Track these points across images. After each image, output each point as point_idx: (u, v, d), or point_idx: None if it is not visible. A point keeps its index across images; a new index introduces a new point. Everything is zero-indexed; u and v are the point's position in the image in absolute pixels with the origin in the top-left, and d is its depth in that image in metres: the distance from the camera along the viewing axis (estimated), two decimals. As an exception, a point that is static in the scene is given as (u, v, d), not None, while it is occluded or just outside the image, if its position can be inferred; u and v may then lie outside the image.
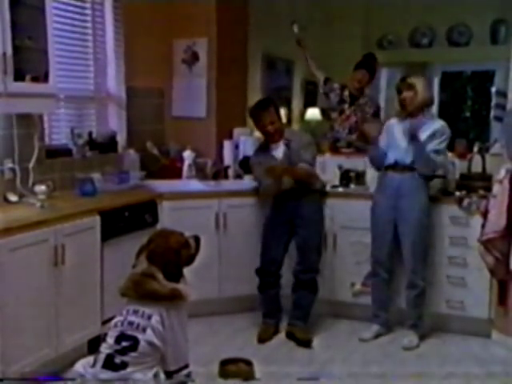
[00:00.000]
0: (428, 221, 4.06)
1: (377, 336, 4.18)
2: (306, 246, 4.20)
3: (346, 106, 5.29)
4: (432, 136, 3.95)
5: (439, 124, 4.02)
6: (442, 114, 8.29)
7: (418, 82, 4.00)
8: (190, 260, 2.95)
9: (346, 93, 5.32)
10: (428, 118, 4.04)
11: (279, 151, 4.25)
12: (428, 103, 4.07)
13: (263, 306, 4.34)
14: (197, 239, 3.00)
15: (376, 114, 5.30)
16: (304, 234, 4.19)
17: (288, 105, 7.17)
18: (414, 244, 4.00)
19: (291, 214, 4.18)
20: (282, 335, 4.24)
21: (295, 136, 4.35)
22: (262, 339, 4.15)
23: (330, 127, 5.47)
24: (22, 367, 3.22)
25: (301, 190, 4.18)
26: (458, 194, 4.19)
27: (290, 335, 4.19)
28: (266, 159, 4.26)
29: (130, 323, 2.70)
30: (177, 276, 2.85)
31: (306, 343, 4.10)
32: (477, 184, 4.19)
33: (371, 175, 4.54)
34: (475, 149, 4.39)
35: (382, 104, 5.89)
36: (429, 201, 4.05)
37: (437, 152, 3.95)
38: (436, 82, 8.37)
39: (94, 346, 3.55)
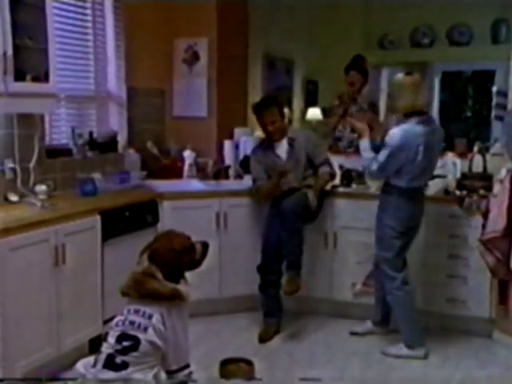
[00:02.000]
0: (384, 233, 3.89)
1: (370, 333, 4.19)
2: (289, 239, 4.11)
3: (347, 107, 5.30)
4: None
5: (389, 133, 3.77)
6: (442, 114, 8.31)
7: (392, 83, 3.94)
8: (193, 265, 2.92)
9: (346, 96, 5.33)
10: (395, 124, 3.86)
11: (282, 150, 4.33)
12: (400, 108, 3.81)
13: (264, 305, 4.34)
14: (205, 245, 2.97)
15: (367, 108, 5.29)
16: (289, 227, 4.10)
17: (289, 104, 7.16)
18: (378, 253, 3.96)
19: (281, 213, 4.15)
20: (282, 335, 4.25)
21: (300, 135, 4.42)
22: (263, 339, 4.15)
23: (331, 129, 5.46)
24: (22, 367, 3.23)
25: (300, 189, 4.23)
26: (458, 193, 4.19)
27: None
28: (268, 158, 4.33)
29: (131, 323, 2.70)
30: (175, 277, 2.84)
31: (288, 293, 4.07)
32: (477, 184, 4.19)
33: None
34: (476, 148, 4.39)
35: (382, 105, 5.86)
36: (395, 208, 3.84)
37: (375, 160, 3.78)
38: (437, 81, 8.37)
39: (94, 345, 3.55)
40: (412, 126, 3.71)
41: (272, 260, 4.22)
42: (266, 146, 4.39)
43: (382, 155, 3.74)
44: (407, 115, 3.75)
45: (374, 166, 3.79)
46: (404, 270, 3.91)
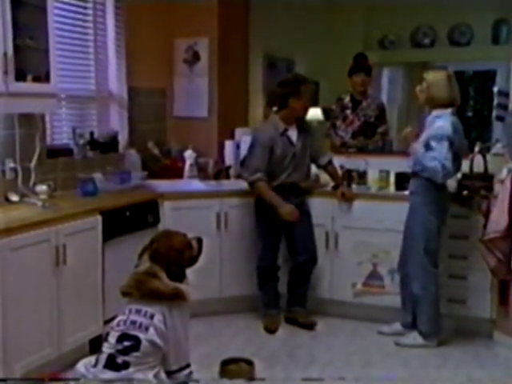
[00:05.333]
0: (425, 226, 3.92)
1: (396, 334, 4.15)
2: (308, 236, 4.32)
3: (349, 111, 5.27)
4: (427, 140, 3.84)
5: (435, 127, 3.84)
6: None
7: (432, 77, 3.90)
8: (192, 261, 2.95)
9: (347, 99, 5.30)
10: (435, 116, 3.89)
11: (294, 135, 4.26)
12: (440, 101, 3.87)
13: (266, 298, 4.38)
14: (199, 241, 3.00)
15: (379, 116, 5.26)
16: (305, 225, 4.31)
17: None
18: (411, 248, 3.99)
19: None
20: (282, 335, 4.25)
21: (307, 124, 4.47)
22: (272, 330, 4.23)
23: (330, 133, 5.41)
24: (23, 367, 3.22)
25: (299, 186, 4.30)
26: (459, 193, 4.18)
27: (290, 320, 4.36)
28: (282, 143, 4.21)
29: (133, 322, 2.70)
30: (180, 276, 2.85)
31: (309, 326, 4.28)
32: (478, 184, 4.17)
33: (372, 175, 4.55)
34: (477, 149, 4.38)
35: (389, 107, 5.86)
36: (433, 202, 3.91)
37: (439, 159, 3.78)
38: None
39: (95, 345, 3.55)
40: (452, 116, 3.85)
41: (274, 257, 4.32)
42: (282, 131, 4.21)
43: (443, 149, 3.76)
44: (443, 106, 3.86)
45: (446, 163, 3.76)
46: (438, 266, 4.01)
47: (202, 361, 3.43)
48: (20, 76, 3.45)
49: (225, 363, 3.49)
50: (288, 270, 4.41)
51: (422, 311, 4.02)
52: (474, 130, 8.90)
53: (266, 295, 4.38)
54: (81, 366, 2.74)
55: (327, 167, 4.48)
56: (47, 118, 4.16)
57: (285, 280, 4.43)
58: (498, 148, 4.38)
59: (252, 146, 4.25)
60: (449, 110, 3.86)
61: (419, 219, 3.93)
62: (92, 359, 2.74)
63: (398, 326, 4.18)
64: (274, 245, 4.31)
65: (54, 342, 3.45)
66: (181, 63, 5.34)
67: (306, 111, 4.33)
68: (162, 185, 4.56)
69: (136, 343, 2.65)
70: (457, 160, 3.87)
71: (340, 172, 4.58)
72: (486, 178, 4.23)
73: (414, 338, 4.04)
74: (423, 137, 3.90)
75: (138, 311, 2.72)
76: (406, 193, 4.16)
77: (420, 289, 3.97)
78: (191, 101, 5.32)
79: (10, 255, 3.11)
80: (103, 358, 2.66)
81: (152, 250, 2.85)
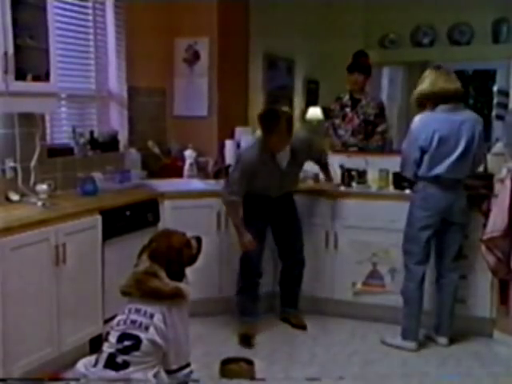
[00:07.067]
0: (406, 223, 3.98)
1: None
2: (294, 240, 4.31)
3: (348, 109, 5.25)
4: None
5: None
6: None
7: (427, 75, 3.89)
8: (191, 260, 2.96)
9: (346, 97, 5.29)
10: None
11: (283, 158, 4.06)
12: (424, 97, 3.85)
13: (245, 305, 4.25)
14: (198, 240, 3.01)
15: (378, 115, 5.25)
16: (290, 228, 4.28)
17: (289, 104, 7.16)
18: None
19: (273, 211, 4.21)
20: (282, 334, 4.25)
21: (302, 141, 4.18)
22: (247, 337, 4.08)
23: (330, 133, 5.39)
24: (23, 366, 3.23)
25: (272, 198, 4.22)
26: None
27: (285, 320, 4.41)
28: (266, 166, 4.02)
29: (133, 322, 2.70)
30: (179, 275, 2.85)
31: (301, 327, 4.31)
32: (478, 183, 4.18)
33: (372, 174, 4.55)
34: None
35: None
36: (418, 199, 3.92)
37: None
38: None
39: (95, 345, 3.55)
40: (433, 113, 3.84)
41: (258, 262, 4.21)
42: (267, 155, 4.00)
43: (404, 144, 3.92)
44: (433, 102, 3.83)
45: (406, 156, 3.91)
46: (423, 265, 3.95)
47: (201, 360, 3.43)
48: (20, 75, 3.45)
49: (225, 362, 3.49)
50: (280, 270, 4.42)
51: (404, 310, 3.99)
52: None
53: (245, 303, 4.25)
54: (81, 366, 2.74)
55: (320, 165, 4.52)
56: (47, 118, 4.16)
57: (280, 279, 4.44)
58: (498, 147, 4.38)
59: (235, 166, 4.08)
60: (439, 108, 3.80)
61: (407, 216, 3.97)
62: (92, 359, 2.75)
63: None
64: (258, 250, 4.15)
65: (54, 342, 3.45)
66: (181, 62, 5.34)
67: (277, 149, 3.97)
68: (162, 184, 4.56)
69: (136, 342, 2.66)
70: (429, 157, 3.80)
71: (336, 171, 4.58)
72: (486, 177, 4.23)
73: (394, 338, 4.01)
74: None
75: (138, 310, 2.72)
76: (406, 192, 4.17)
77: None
78: (191, 100, 5.32)
79: (10, 254, 3.11)
80: (103, 357, 2.67)
81: (151, 250, 2.85)
